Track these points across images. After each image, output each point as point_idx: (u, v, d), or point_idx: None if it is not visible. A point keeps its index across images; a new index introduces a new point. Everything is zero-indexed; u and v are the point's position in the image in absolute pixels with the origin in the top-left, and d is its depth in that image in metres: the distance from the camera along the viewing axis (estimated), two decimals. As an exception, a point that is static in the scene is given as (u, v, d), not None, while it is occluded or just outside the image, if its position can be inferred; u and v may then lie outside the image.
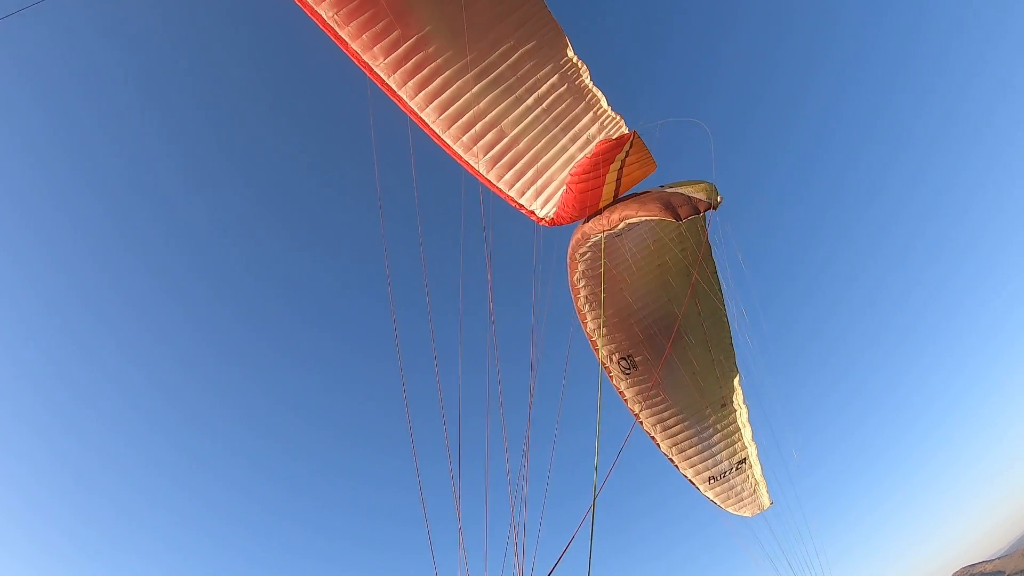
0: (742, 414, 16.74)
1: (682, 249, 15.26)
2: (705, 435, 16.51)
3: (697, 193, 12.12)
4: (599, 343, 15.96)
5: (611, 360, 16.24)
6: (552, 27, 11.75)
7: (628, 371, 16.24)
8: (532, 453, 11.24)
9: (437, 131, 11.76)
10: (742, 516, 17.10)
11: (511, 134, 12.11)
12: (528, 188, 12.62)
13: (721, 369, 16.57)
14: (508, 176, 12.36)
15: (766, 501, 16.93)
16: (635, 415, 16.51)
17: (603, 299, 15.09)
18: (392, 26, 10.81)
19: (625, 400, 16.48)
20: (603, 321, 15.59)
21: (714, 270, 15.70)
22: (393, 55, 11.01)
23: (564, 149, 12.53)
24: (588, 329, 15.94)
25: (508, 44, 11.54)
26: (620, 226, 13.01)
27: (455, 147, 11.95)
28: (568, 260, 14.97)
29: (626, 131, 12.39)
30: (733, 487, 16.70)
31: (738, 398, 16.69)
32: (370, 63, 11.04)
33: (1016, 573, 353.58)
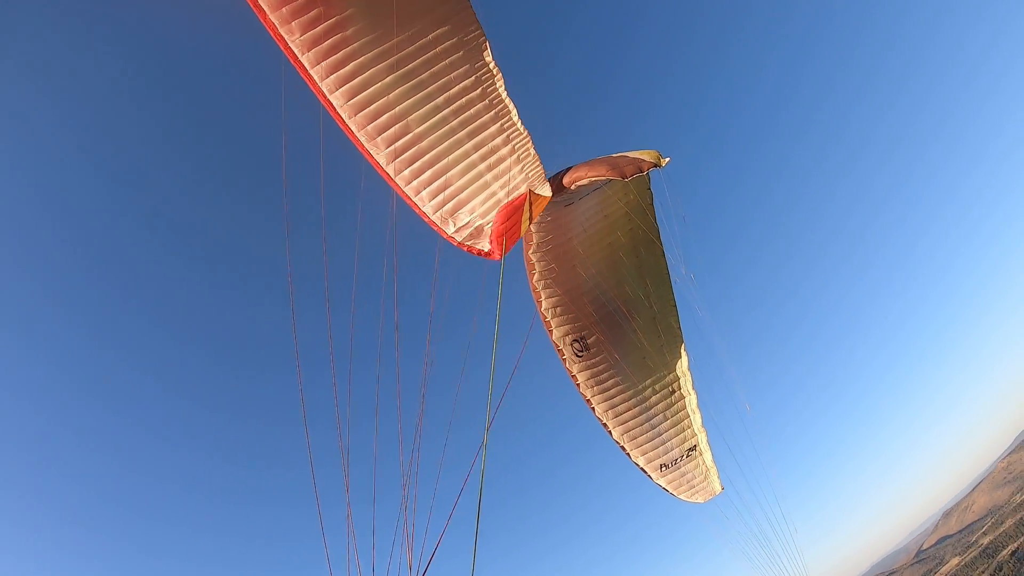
0: (692, 400, 16.60)
1: (631, 229, 15.20)
2: (655, 421, 16.29)
3: (643, 155, 12.66)
4: (552, 323, 15.78)
5: (564, 342, 15.96)
6: (475, 29, 11.46)
7: (581, 353, 15.96)
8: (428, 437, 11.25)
9: (343, 116, 11.36)
10: (695, 503, 17.04)
11: (416, 131, 11.77)
12: (424, 188, 12.23)
13: (671, 353, 16.47)
14: (406, 172, 12.01)
15: (717, 487, 16.90)
16: (587, 400, 16.25)
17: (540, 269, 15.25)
18: (314, 3, 10.41)
19: (577, 384, 16.13)
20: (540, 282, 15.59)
21: (662, 252, 15.66)
22: (310, 33, 10.60)
23: (467, 155, 12.18)
24: (542, 308, 15.67)
25: (427, 39, 11.23)
26: (572, 189, 13.27)
27: (359, 135, 11.53)
28: (523, 236, 14.22)
29: (531, 150, 12.22)
30: (685, 474, 16.60)
31: (687, 383, 16.56)
32: (286, 37, 10.57)
33: None
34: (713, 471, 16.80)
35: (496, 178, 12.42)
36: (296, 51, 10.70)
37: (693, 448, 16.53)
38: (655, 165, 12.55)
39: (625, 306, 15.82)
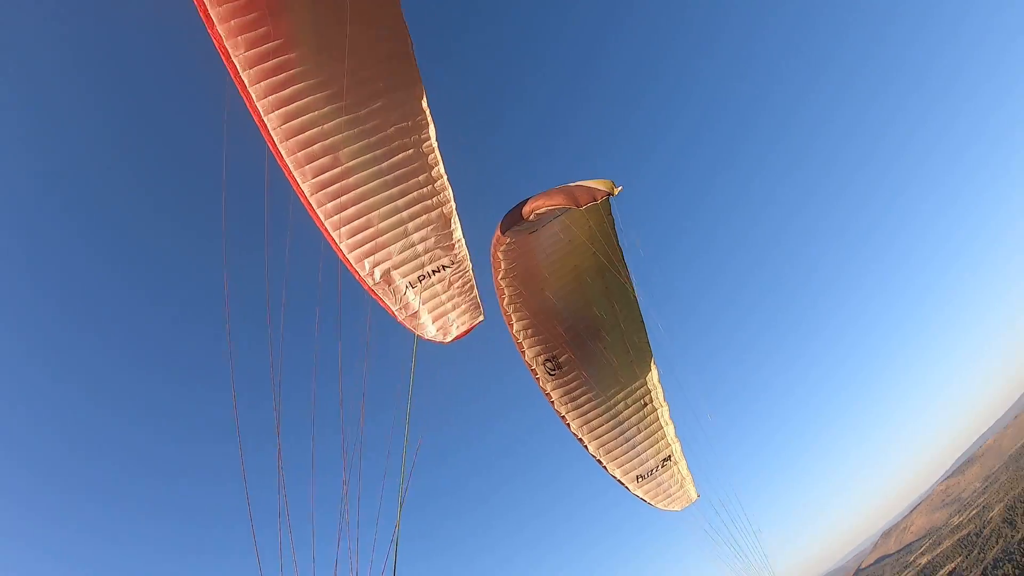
0: (664, 412, 17.19)
1: (594, 253, 15.63)
2: (629, 434, 16.87)
3: (597, 184, 13.05)
4: (524, 344, 16.28)
5: (536, 362, 16.48)
6: (414, 72, 11.75)
7: (553, 372, 16.50)
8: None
9: (275, 139, 11.22)
10: (672, 511, 17.59)
11: (345, 164, 11.69)
12: (344, 225, 12.06)
13: (640, 368, 17.11)
14: (330, 206, 11.86)
15: (693, 494, 17.48)
16: (562, 417, 16.74)
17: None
18: (263, 21, 10.42)
19: (552, 402, 16.65)
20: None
21: (627, 273, 16.13)
22: (256, 50, 10.57)
23: (391, 199, 12.19)
24: (514, 331, 16.22)
25: (368, 74, 11.44)
26: (531, 218, 13.81)
27: (288, 160, 11.38)
28: (491, 259, 15.37)
29: (451, 206, 12.48)
30: (661, 484, 17.16)
31: (659, 396, 17.17)
32: (230, 50, 10.46)
33: None
34: (688, 479, 17.38)
35: (416, 228, 12.49)
36: (239, 66, 10.61)
37: (668, 458, 17.11)
38: (608, 194, 12.94)
39: (593, 326, 16.47)
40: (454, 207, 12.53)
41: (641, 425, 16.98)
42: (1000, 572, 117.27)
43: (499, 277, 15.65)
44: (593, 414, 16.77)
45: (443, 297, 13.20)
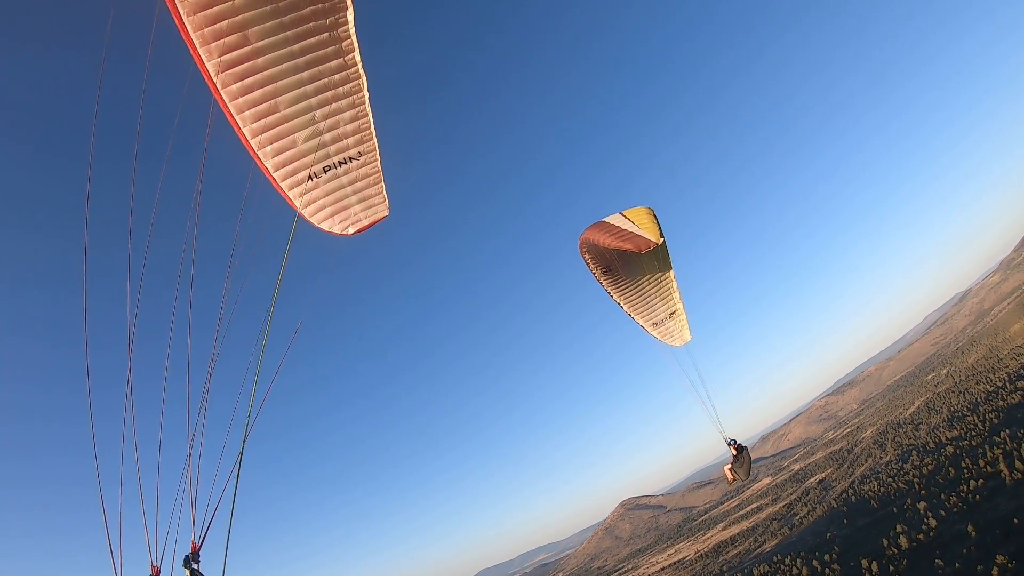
0: (674, 284, 24.19)
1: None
2: (650, 300, 24.48)
3: (648, 234, 19.79)
4: (591, 265, 23.86)
5: (597, 272, 23.96)
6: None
7: (606, 273, 23.97)
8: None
9: (182, 13, 10.13)
10: (672, 346, 25.10)
11: (254, 44, 10.71)
12: (248, 109, 11.16)
13: (662, 263, 23.48)
14: (235, 87, 10.91)
15: (688, 336, 24.98)
16: (608, 292, 24.26)
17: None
18: None
19: (602, 284, 24.23)
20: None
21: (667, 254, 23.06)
22: None
23: (301, 83, 11.31)
24: (585, 258, 23.87)
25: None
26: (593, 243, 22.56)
27: (195, 36, 10.32)
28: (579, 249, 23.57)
29: (364, 95, 11.80)
30: (668, 328, 24.70)
31: (671, 276, 24.02)
32: None
33: (675, 509, 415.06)
34: (686, 327, 24.89)
35: (325, 117, 11.78)
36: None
37: (674, 312, 24.53)
38: (653, 245, 19.97)
39: (639, 262, 23.35)
40: (367, 96, 11.83)
41: (659, 294, 24.21)
42: (866, 487, 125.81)
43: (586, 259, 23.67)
44: (630, 292, 24.15)
45: (348, 190, 12.97)
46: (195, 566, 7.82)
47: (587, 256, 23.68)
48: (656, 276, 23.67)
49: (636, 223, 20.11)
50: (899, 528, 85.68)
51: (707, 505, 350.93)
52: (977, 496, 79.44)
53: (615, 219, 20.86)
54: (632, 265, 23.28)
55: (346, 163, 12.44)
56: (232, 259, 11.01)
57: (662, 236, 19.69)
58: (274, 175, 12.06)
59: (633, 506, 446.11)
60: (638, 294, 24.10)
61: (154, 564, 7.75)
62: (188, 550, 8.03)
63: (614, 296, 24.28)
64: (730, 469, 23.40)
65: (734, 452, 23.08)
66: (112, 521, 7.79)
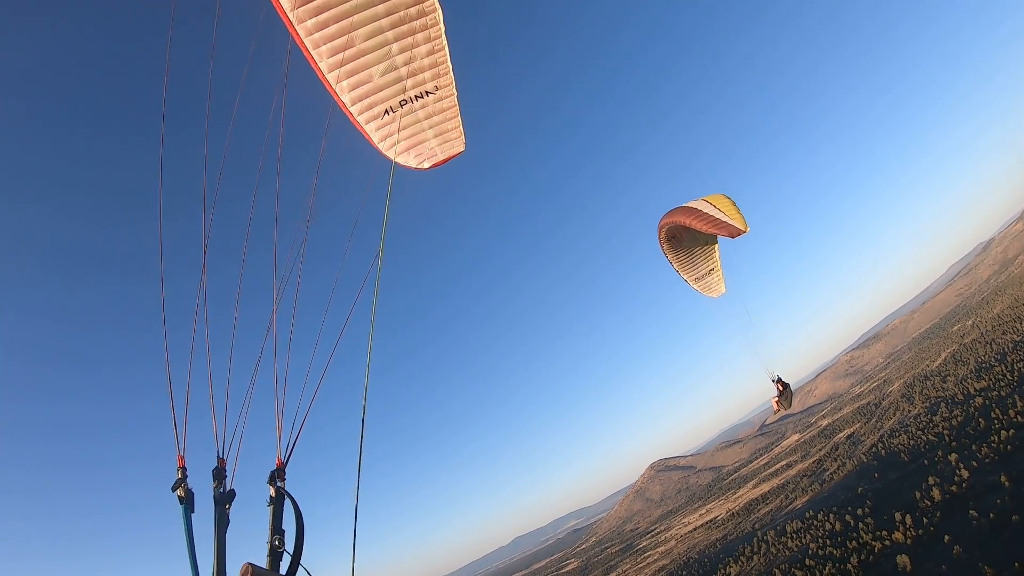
0: (717, 250, 27.11)
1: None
2: (697, 262, 27.36)
3: (735, 222, 21.04)
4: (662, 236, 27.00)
5: (662, 236, 26.91)
6: None
7: (672, 244, 26.93)
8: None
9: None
10: (711, 297, 28.08)
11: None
12: (325, 44, 11.07)
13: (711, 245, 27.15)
14: (310, 23, 10.80)
15: (723, 289, 27.48)
16: (667, 257, 27.37)
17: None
18: None
19: (664, 251, 27.33)
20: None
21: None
22: None
23: (376, 17, 11.05)
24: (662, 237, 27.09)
25: None
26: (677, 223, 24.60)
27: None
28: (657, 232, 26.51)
29: (440, 29, 11.40)
30: (709, 282, 27.47)
31: (718, 244, 26.94)
32: None
33: (705, 469, 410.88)
34: (722, 281, 27.37)
35: (401, 50, 11.50)
36: None
37: (713, 269, 27.24)
38: (742, 232, 21.06)
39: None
40: (443, 30, 11.45)
41: (704, 254, 26.99)
42: (895, 440, 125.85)
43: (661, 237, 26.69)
44: (682, 254, 27.11)
45: (424, 124, 12.66)
46: (280, 483, 7.74)
47: (664, 233, 26.24)
48: (704, 238, 26.13)
49: (723, 211, 21.45)
50: (931, 480, 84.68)
51: (736, 464, 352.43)
52: (1008, 446, 79.07)
53: (700, 205, 22.47)
54: (691, 234, 25.64)
55: (423, 97, 12.21)
56: (312, 197, 10.74)
57: (748, 226, 20.90)
58: (351, 109, 11.98)
59: (663, 467, 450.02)
60: (689, 256, 26.89)
61: (220, 456, 7.74)
62: (274, 466, 7.95)
63: (670, 258, 27.19)
64: (777, 401, 27.46)
65: (779, 387, 27.21)
66: (179, 397, 7.46)
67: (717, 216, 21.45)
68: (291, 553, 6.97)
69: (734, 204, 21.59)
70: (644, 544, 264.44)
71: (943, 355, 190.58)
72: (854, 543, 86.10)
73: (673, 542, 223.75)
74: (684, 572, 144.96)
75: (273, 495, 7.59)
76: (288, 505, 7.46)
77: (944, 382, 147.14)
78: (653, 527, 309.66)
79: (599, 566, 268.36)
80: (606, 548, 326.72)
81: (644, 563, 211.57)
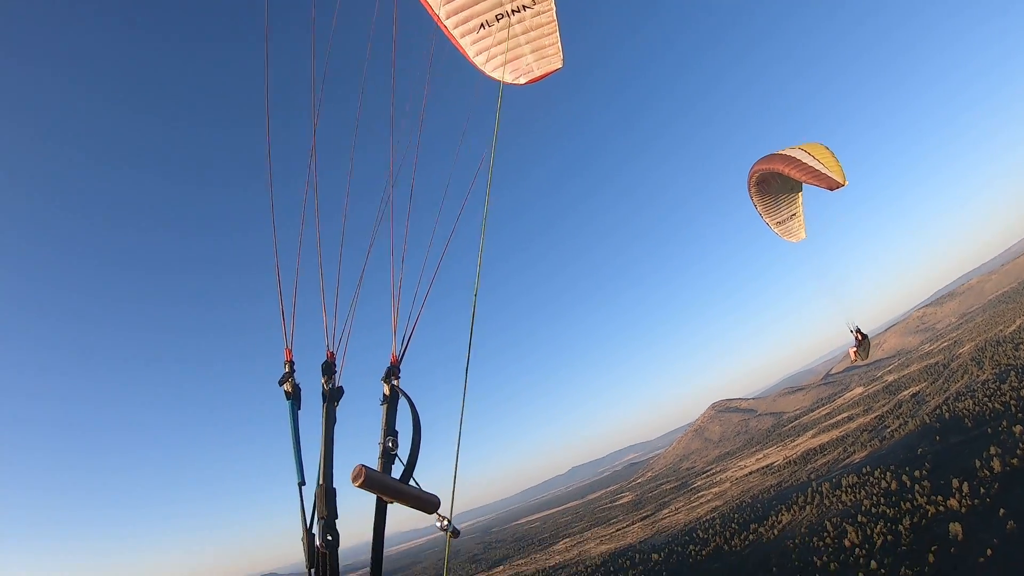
0: (800, 199, 27.11)
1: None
2: (783, 211, 27.55)
3: (834, 174, 20.34)
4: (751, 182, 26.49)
5: (754, 189, 26.68)
6: None
7: (760, 188, 26.59)
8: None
9: None
10: (792, 242, 28.32)
11: None
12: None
13: (795, 186, 26.83)
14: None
15: (803, 235, 27.77)
16: (752, 201, 27.24)
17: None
18: None
19: (751, 195, 27.16)
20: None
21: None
22: None
23: None
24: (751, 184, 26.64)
25: None
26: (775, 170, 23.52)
27: None
28: (748, 177, 25.93)
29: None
30: (790, 227, 27.82)
31: (801, 190, 26.87)
32: None
33: (765, 413, 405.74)
34: (803, 227, 27.66)
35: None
36: None
37: (794, 215, 27.40)
38: (840, 186, 20.36)
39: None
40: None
41: (788, 199, 27.08)
42: (961, 405, 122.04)
43: (751, 183, 26.02)
44: (768, 199, 27.00)
45: (521, 39, 11.94)
46: (395, 381, 7.25)
47: (755, 178, 26.22)
48: (792, 184, 26.46)
49: (822, 161, 20.94)
50: (993, 450, 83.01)
51: (797, 411, 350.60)
52: (1078, 426, 76.77)
53: (798, 154, 21.96)
54: (782, 179, 25.74)
55: (519, 11, 11.37)
56: (424, 97, 9.23)
57: (847, 179, 20.31)
58: (445, 23, 11.38)
59: (723, 408, 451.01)
60: (775, 200, 27.32)
61: (330, 349, 7.29)
62: (388, 363, 7.42)
63: (755, 201, 27.58)
64: (855, 351, 27.98)
65: (858, 338, 27.76)
66: (287, 288, 6.74)
67: (816, 167, 20.90)
68: (403, 460, 6.48)
69: (833, 155, 20.92)
70: (699, 483, 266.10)
71: (1018, 321, 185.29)
72: (908, 504, 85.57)
73: (728, 484, 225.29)
74: (736, 515, 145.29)
75: (387, 393, 7.13)
76: (404, 404, 6.98)
77: (1016, 350, 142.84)
78: (709, 467, 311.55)
79: (652, 501, 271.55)
80: (661, 484, 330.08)
81: (697, 502, 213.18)
